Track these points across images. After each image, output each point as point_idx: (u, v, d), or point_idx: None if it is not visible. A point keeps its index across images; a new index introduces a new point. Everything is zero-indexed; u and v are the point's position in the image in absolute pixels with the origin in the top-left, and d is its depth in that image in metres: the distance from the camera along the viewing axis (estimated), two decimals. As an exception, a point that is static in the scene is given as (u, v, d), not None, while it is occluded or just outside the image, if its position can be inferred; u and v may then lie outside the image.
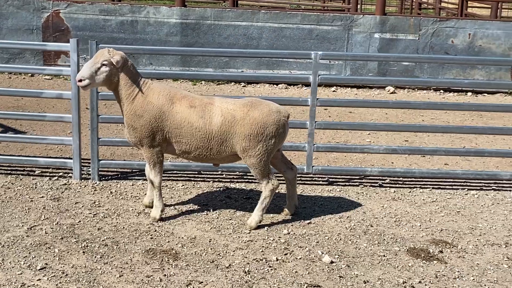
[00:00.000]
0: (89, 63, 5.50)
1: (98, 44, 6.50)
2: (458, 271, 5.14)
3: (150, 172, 5.79)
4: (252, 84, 12.25)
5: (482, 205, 6.61)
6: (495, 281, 5.00)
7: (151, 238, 5.48)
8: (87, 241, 5.37)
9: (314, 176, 7.19)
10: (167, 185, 6.70)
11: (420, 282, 4.94)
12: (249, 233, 5.64)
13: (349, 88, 12.31)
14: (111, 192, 6.50)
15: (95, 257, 5.09)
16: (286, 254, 5.30)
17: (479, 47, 12.40)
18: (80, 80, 5.46)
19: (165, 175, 6.87)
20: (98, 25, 12.47)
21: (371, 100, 10.95)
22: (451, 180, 7.27)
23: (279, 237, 5.61)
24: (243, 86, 12.08)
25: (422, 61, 12.10)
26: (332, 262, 5.19)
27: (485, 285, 4.93)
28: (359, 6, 17.36)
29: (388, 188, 7.01)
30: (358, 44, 12.42)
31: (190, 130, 5.53)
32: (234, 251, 5.29)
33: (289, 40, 12.45)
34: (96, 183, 6.75)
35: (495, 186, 7.17)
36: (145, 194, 6.29)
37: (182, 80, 12.23)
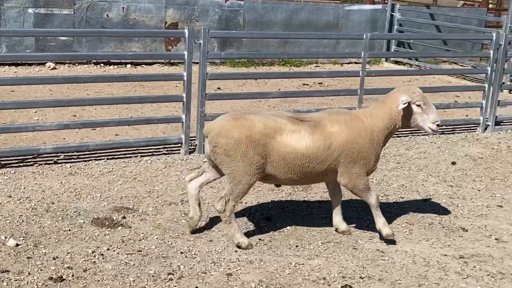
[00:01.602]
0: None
1: None
2: (142, 233, 5.44)
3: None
4: None
5: (156, 169, 7.03)
6: (177, 236, 5.42)
7: None
8: None
9: (-17, 160, 6.80)
10: None
11: (108, 249, 5.10)
12: None
13: (7, 66, 11.73)
14: None
15: None
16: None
17: (133, 20, 12.88)
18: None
19: None
20: None
21: (36, 76, 10.64)
22: (124, 149, 7.54)
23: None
24: None
25: (80, 35, 12.10)
26: (17, 244, 5.04)
27: (168, 240, 5.32)
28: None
29: (63, 164, 6.99)
30: (12, 19, 11.88)
31: None
32: None
33: None
34: None
35: (165, 151, 7.67)
36: None
37: None
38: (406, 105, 5.25)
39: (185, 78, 7.46)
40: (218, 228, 5.64)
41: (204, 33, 7.40)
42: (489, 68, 9.50)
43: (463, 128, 9.75)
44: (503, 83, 10.29)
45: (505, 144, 9.04)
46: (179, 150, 7.68)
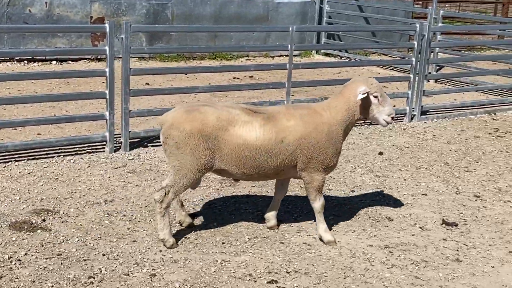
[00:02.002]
0: None
1: None
2: (63, 235, 5.25)
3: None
4: None
5: (79, 169, 6.81)
6: (99, 238, 5.26)
7: None
8: None
9: None
10: None
11: (26, 254, 4.90)
12: None
13: None
14: None
15: None
16: None
17: (57, 15, 12.50)
18: None
19: None
20: None
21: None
22: (46, 149, 7.28)
23: None
24: None
25: (1, 32, 11.64)
26: None
27: (89, 243, 5.15)
28: None
29: (-19, 166, 6.70)
30: None
31: None
32: None
33: None
34: None
35: (89, 149, 7.45)
36: None
37: None
38: (365, 95, 5.19)
39: (107, 74, 7.26)
40: (142, 228, 5.50)
41: (126, 28, 7.22)
42: (414, 59, 9.64)
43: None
44: (429, 73, 10.46)
45: (430, 133, 9.21)
46: (104, 148, 7.47)
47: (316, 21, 15.34)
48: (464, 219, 6.13)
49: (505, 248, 5.54)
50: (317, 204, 5.35)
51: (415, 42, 9.60)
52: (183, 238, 5.35)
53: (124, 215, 5.75)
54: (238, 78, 12.12)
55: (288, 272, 4.86)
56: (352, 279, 4.82)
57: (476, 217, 6.21)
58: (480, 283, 4.89)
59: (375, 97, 5.23)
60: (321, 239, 5.43)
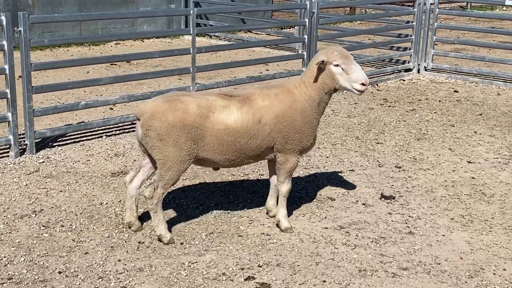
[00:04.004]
0: None
1: None
2: (5, 256, 4.71)
3: None
4: None
5: (-11, 179, 6.16)
6: (46, 254, 4.78)
7: None
8: None
9: None
10: None
11: (-31, 283, 4.33)
12: None
13: None
14: None
15: None
16: None
17: None
18: None
19: None
20: None
21: None
22: None
23: None
24: None
25: None
26: None
27: (38, 261, 4.66)
28: None
29: None
30: None
31: None
32: None
33: None
34: None
35: (-8, 155, 6.76)
36: None
37: None
38: (318, 64, 5.02)
39: (7, 72, 6.58)
40: (88, 238, 5.08)
41: (24, 19, 6.56)
42: (306, 36, 9.75)
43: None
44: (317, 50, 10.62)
45: (328, 108, 9.34)
46: (8, 153, 6.80)
47: (183, 4, 14.99)
48: (397, 191, 6.32)
49: (446, 216, 5.78)
50: (285, 187, 5.28)
51: (306, 20, 9.69)
52: (138, 244, 5.01)
53: (62, 226, 5.27)
54: (116, 64, 11.52)
55: (260, 266, 4.73)
56: (325, 265, 4.79)
57: (407, 187, 6.43)
58: (440, 253, 5.06)
59: (336, 65, 5.04)
60: (278, 225, 5.34)
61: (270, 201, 5.57)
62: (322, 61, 5.02)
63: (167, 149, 4.75)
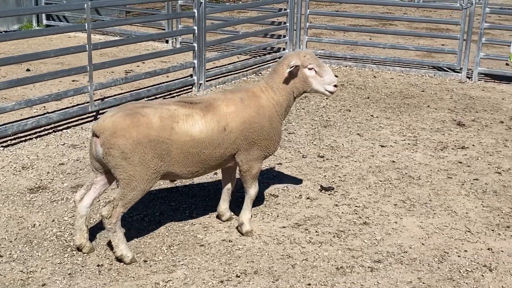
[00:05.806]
0: None
1: None
2: None
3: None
4: None
5: None
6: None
7: None
8: None
9: None
10: None
11: None
12: None
13: None
14: None
15: None
16: None
17: None
18: None
19: None
20: None
21: None
22: None
23: None
24: None
25: None
26: None
27: (-9, 302, 4.07)
28: None
29: None
30: None
31: None
32: None
33: None
34: None
35: None
36: None
37: None
38: (292, 68, 4.81)
39: None
40: (38, 267, 4.52)
41: None
42: (196, 28, 9.44)
43: (184, 90, 9.62)
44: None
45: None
46: None
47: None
48: (332, 181, 6.32)
49: (388, 203, 5.88)
50: (253, 190, 5.08)
51: (195, 11, 9.39)
52: (97, 267, 4.54)
53: (1, 256, 4.64)
54: None
55: (238, 276, 4.49)
56: (301, 267, 4.65)
57: (339, 177, 6.46)
58: (401, 241, 5.13)
59: (310, 69, 4.92)
60: (238, 228, 5.13)
61: (223, 205, 5.33)
62: (296, 65, 4.86)
63: (132, 168, 4.33)
